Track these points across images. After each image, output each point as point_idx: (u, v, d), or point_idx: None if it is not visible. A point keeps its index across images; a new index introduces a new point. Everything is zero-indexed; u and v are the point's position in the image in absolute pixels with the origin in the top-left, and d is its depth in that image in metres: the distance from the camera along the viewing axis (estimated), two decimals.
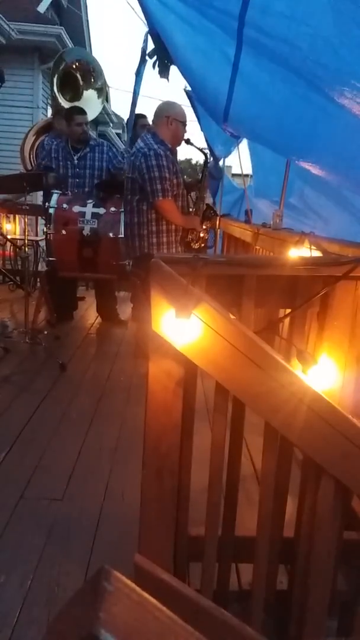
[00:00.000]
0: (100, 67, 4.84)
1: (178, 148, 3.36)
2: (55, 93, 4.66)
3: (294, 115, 2.45)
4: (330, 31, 1.78)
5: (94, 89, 4.85)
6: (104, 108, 5.02)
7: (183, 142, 3.26)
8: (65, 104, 4.55)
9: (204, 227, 3.40)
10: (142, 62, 3.17)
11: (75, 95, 4.76)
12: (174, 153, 3.27)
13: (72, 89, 4.79)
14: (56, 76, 4.68)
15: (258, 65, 2.38)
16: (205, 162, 3.52)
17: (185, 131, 3.21)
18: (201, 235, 3.40)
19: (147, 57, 3.10)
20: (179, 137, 3.18)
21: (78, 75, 4.79)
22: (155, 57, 3.08)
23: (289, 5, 1.85)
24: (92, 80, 4.84)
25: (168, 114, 3.09)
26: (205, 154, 3.53)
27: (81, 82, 4.80)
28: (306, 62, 1.94)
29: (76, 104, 4.47)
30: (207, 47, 2.64)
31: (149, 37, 3.01)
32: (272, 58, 2.16)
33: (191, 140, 3.35)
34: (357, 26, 1.67)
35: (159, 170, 2.97)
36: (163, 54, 3.02)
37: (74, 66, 4.78)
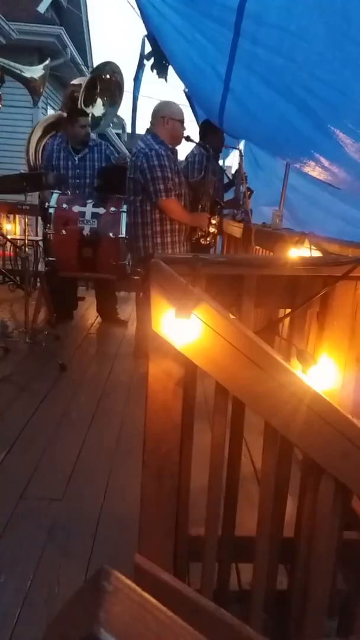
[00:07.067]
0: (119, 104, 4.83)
1: (179, 147, 3.34)
2: (79, 93, 4.63)
3: (284, 137, 2.48)
4: (323, 45, 1.80)
5: (104, 104, 4.84)
6: (103, 118, 4.99)
7: (183, 140, 3.24)
8: (81, 105, 4.55)
9: (213, 222, 3.35)
10: (140, 67, 3.18)
11: (91, 99, 4.74)
12: (175, 153, 3.26)
13: (89, 94, 4.77)
14: (89, 78, 4.66)
15: (248, 88, 2.40)
16: (208, 157, 3.49)
17: (184, 129, 3.18)
18: (211, 230, 3.36)
19: (145, 60, 3.11)
20: (176, 135, 3.15)
21: (99, 85, 4.77)
22: (152, 58, 3.10)
23: (283, 18, 1.87)
24: (110, 97, 4.82)
25: (163, 113, 3.08)
26: (207, 149, 3.50)
27: (98, 90, 4.78)
28: (301, 75, 1.95)
29: (89, 109, 4.48)
30: (200, 62, 2.67)
31: (146, 40, 3.03)
32: (264, 75, 2.18)
33: (191, 137, 3.34)
34: (349, 41, 1.69)
35: (161, 170, 2.97)
36: (161, 55, 3.04)
37: (105, 77, 4.76)
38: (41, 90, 4.56)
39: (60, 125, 4.60)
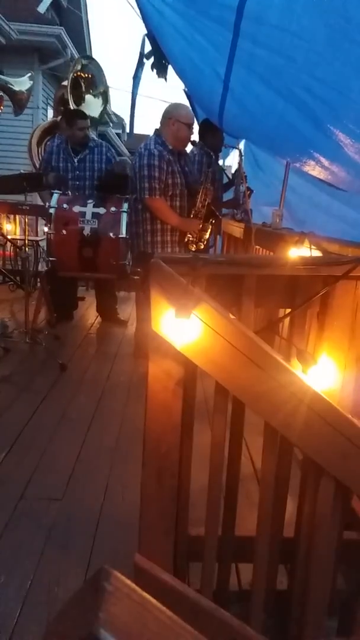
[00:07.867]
0: (106, 84, 4.91)
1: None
2: (67, 95, 4.68)
3: (284, 137, 2.49)
4: (323, 45, 1.80)
5: (94, 95, 4.91)
6: (104, 108, 5.03)
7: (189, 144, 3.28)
8: (73, 107, 4.59)
9: (207, 230, 3.32)
10: (140, 65, 3.19)
11: (79, 99, 4.80)
12: (182, 154, 3.29)
13: (76, 94, 4.83)
14: (70, 79, 4.70)
15: (247, 89, 2.40)
16: (209, 163, 3.50)
17: (191, 133, 3.23)
18: (205, 237, 3.34)
19: (144, 59, 3.13)
20: (181, 138, 3.19)
21: (82, 83, 4.84)
22: (153, 58, 3.11)
23: (283, 18, 1.87)
24: (95, 88, 4.91)
25: (171, 115, 3.14)
26: (209, 155, 3.51)
27: (83, 88, 4.85)
28: (300, 75, 1.96)
29: (80, 107, 4.53)
30: (199, 62, 2.67)
31: (146, 40, 3.03)
32: (264, 75, 2.18)
33: (197, 142, 3.36)
34: (349, 41, 1.69)
35: (148, 169, 3.04)
36: (161, 54, 3.04)
37: (87, 75, 4.82)
38: (26, 103, 4.63)
39: (58, 128, 4.64)
